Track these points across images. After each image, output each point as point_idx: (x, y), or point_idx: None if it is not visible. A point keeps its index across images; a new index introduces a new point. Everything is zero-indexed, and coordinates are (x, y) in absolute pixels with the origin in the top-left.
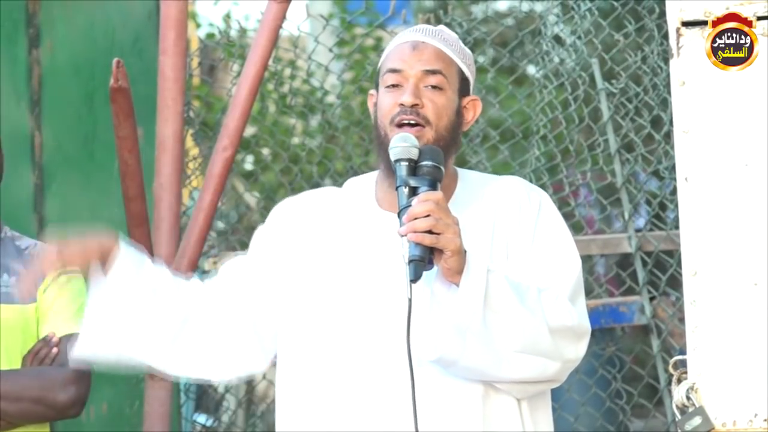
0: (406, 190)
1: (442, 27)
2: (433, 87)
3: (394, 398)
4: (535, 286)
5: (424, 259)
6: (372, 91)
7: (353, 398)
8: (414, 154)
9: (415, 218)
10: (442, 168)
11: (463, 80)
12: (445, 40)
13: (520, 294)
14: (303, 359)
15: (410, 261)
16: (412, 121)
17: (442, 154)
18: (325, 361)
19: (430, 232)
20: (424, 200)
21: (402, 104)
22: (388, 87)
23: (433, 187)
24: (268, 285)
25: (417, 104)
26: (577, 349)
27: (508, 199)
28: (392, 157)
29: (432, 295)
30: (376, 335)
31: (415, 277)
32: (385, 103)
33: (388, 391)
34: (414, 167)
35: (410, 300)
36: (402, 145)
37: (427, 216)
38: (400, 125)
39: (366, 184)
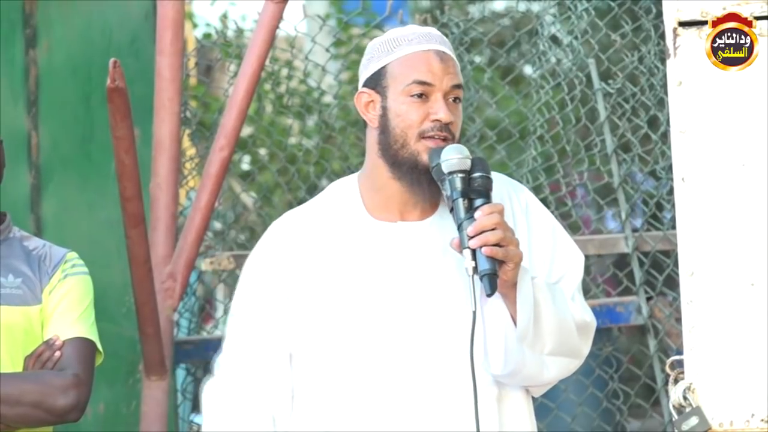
0: (464, 202)
1: (439, 31)
2: (455, 100)
3: (443, 413)
4: (558, 286)
5: (496, 272)
6: (365, 90)
7: (407, 417)
8: (468, 165)
9: (483, 231)
10: (492, 178)
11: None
12: (451, 48)
13: (554, 297)
14: (336, 385)
15: (485, 275)
16: (444, 138)
17: (488, 164)
18: (365, 384)
19: (497, 245)
20: (490, 212)
21: (438, 120)
22: (413, 96)
23: (488, 198)
24: (289, 329)
25: (452, 122)
26: (589, 345)
27: (497, 198)
28: (446, 169)
29: (485, 307)
30: (420, 351)
31: (493, 291)
32: (411, 115)
33: (441, 406)
34: (468, 180)
35: (474, 313)
36: (457, 156)
37: (494, 229)
38: (427, 139)
39: (349, 192)
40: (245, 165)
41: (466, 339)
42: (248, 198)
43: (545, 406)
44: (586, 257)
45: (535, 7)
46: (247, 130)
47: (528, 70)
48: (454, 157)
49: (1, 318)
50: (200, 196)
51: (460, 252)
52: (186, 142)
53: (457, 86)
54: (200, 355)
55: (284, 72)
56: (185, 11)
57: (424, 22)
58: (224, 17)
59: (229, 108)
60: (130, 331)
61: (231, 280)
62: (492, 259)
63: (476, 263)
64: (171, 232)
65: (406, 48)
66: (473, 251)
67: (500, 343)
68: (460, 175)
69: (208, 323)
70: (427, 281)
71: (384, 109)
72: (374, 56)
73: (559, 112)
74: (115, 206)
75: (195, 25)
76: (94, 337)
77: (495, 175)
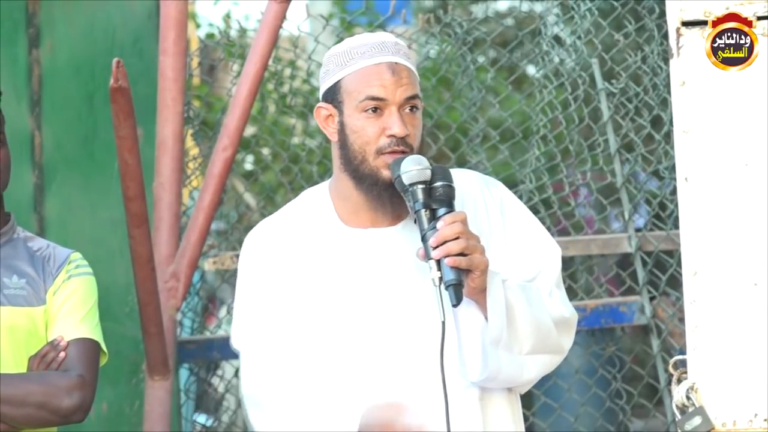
0: (426, 213)
1: (394, 38)
2: (410, 109)
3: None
4: (533, 285)
5: (461, 282)
6: (324, 105)
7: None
8: (428, 176)
9: (445, 241)
10: (454, 186)
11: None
12: (407, 55)
13: (528, 297)
14: (314, 382)
15: (449, 285)
16: (401, 151)
17: (450, 173)
18: (338, 387)
19: (461, 254)
20: (452, 222)
21: (393, 135)
22: (367, 112)
23: (451, 207)
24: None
25: (407, 135)
26: (571, 339)
27: (470, 197)
28: (406, 181)
29: (458, 315)
30: (392, 356)
31: (458, 302)
32: (367, 131)
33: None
34: (429, 190)
35: (444, 323)
36: (416, 168)
37: (457, 238)
38: (385, 154)
39: (321, 200)
40: (248, 165)
41: (433, 344)
42: (251, 198)
43: (548, 405)
44: (589, 257)
45: (539, 7)
46: (250, 130)
47: (531, 69)
48: (413, 169)
49: (4, 319)
50: (203, 196)
51: (426, 261)
52: (189, 142)
53: (412, 97)
54: (203, 355)
55: (287, 72)
56: (188, 11)
57: (427, 22)
58: (227, 17)
59: (232, 108)
60: (133, 330)
61: (234, 279)
62: (456, 269)
63: (441, 273)
64: (174, 232)
65: (358, 62)
66: (438, 261)
67: (476, 349)
68: (421, 186)
69: (211, 323)
70: (399, 286)
71: (341, 124)
72: (330, 70)
73: (562, 112)
74: (118, 206)
75: (198, 25)
76: (98, 337)
77: (466, 173)
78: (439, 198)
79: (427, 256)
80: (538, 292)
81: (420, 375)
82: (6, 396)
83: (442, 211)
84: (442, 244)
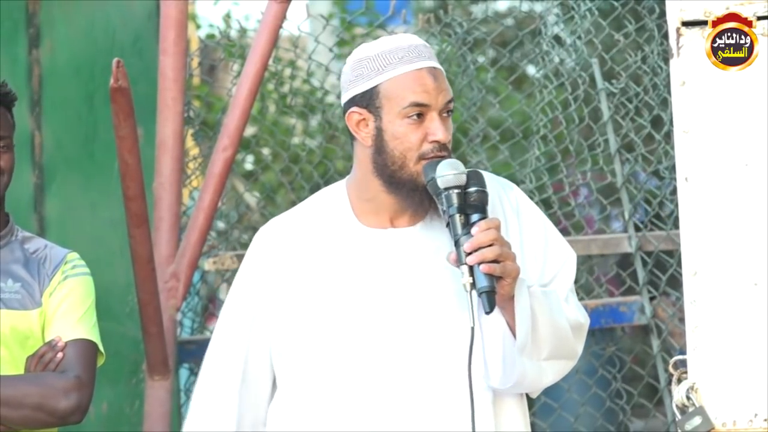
0: (461, 218)
1: (422, 41)
2: (447, 113)
3: (436, 421)
4: (552, 290)
5: (494, 289)
6: (357, 110)
7: (399, 426)
8: (463, 180)
9: (480, 247)
10: (488, 192)
11: None
12: (435, 57)
13: (549, 303)
14: (325, 389)
15: (483, 292)
16: (441, 156)
17: (483, 177)
18: (353, 390)
19: (495, 261)
20: (486, 228)
21: (437, 141)
22: (410, 118)
23: (485, 213)
24: (269, 330)
25: (449, 140)
26: (583, 344)
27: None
28: (441, 185)
29: (482, 321)
30: (412, 359)
31: (491, 309)
32: (410, 138)
33: (433, 414)
34: (464, 195)
35: (473, 329)
36: (453, 173)
37: (492, 245)
38: (426, 159)
39: (338, 199)
40: (248, 165)
41: (459, 348)
42: (251, 198)
43: (548, 405)
44: (589, 257)
45: (539, 7)
46: (250, 130)
47: (531, 69)
48: (449, 173)
49: (0, 321)
50: (203, 196)
51: (457, 266)
52: (189, 142)
53: (450, 101)
54: (203, 355)
55: (287, 72)
56: (188, 11)
57: (427, 22)
58: (227, 17)
59: (232, 108)
60: (133, 330)
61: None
62: (489, 275)
63: (474, 279)
64: (174, 232)
65: (398, 67)
66: (470, 267)
67: (498, 355)
68: (456, 190)
69: (212, 323)
70: (419, 287)
71: (378, 129)
72: (362, 74)
73: (562, 112)
74: (119, 206)
75: (198, 25)
76: (95, 338)
77: (483, 175)
78: (473, 203)
79: (459, 261)
80: (557, 297)
81: (439, 378)
82: (3, 397)
83: (476, 216)
84: (477, 250)
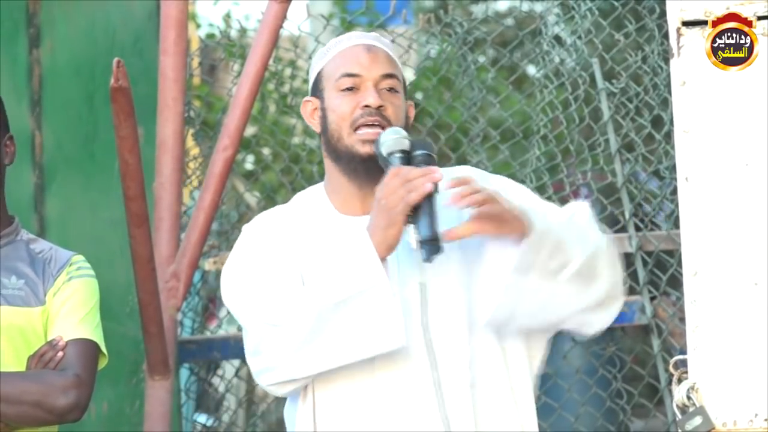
0: None
1: (378, 35)
2: (389, 89)
3: (415, 401)
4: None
5: (437, 237)
6: (309, 98)
7: (376, 403)
8: (406, 145)
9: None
10: (435, 156)
11: (404, 84)
12: (387, 45)
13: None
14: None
15: (423, 241)
16: (376, 123)
17: (433, 145)
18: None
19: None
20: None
21: (367, 106)
22: (343, 91)
23: None
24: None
25: (382, 106)
26: (598, 231)
27: None
28: (384, 151)
29: (486, 254)
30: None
31: (428, 258)
32: (342, 107)
33: (409, 392)
34: (408, 158)
35: (422, 284)
36: (393, 137)
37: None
38: (360, 128)
39: (318, 195)
40: (249, 165)
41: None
42: (252, 198)
43: (549, 405)
44: None
45: (539, 7)
46: (250, 130)
47: (531, 69)
48: (390, 138)
49: (2, 318)
50: (204, 196)
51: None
52: (189, 142)
53: (389, 75)
54: (204, 355)
55: (288, 72)
56: (189, 11)
57: (428, 22)
58: (227, 17)
59: (232, 108)
60: (133, 330)
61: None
62: (431, 227)
63: (419, 235)
64: (174, 232)
65: (336, 48)
66: (415, 224)
67: (488, 292)
68: (398, 154)
69: (212, 323)
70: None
71: (323, 110)
72: (313, 66)
73: (562, 112)
74: (119, 206)
75: (198, 25)
76: (98, 339)
77: (466, 169)
78: (418, 165)
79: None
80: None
81: (410, 353)
82: (2, 394)
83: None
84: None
